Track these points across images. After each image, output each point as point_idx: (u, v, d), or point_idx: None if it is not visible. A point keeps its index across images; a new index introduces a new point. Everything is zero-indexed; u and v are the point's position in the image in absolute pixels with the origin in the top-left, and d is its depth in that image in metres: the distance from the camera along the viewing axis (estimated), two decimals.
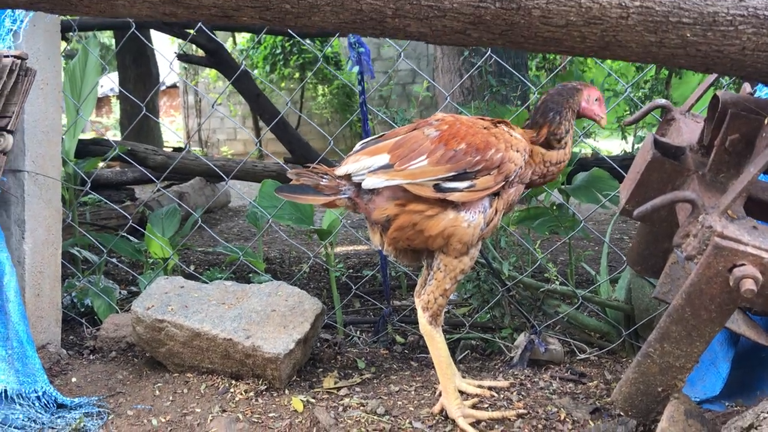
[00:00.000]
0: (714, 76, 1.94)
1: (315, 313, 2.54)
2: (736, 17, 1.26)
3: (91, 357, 2.88)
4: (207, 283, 2.81)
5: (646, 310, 2.59)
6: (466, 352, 2.94)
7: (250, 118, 14.55)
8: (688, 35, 1.27)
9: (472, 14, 1.23)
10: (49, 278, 2.83)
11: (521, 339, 2.72)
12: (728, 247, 1.40)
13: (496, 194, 2.05)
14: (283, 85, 14.36)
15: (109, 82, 22.47)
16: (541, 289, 2.72)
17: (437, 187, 1.96)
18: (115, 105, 22.90)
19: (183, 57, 4.87)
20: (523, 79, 3.12)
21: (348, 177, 2.06)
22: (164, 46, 19.65)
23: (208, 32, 3.86)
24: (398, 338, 3.13)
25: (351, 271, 4.38)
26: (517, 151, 2.03)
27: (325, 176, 2.06)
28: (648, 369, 1.64)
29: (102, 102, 23.78)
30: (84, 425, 2.20)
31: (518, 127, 2.12)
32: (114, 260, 4.80)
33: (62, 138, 3.85)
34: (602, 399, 2.32)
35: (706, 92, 1.91)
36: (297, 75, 13.87)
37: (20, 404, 2.29)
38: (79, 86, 3.82)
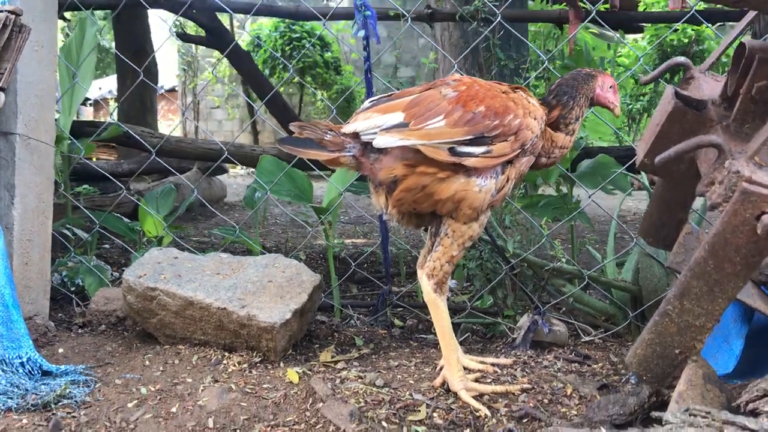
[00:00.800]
0: (731, 36, 1.88)
1: (313, 284, 2.45)
2: None
3: (80, 331, 2.79)
4: (201, 255, 2.72)
5: (654, 290, 2.51)
6: (467, 335, 2.86)
7: (247, 119, 14.49)
8: None
9: None
10: (39, 247, 2.73)
11: (524, 320, 2.64)
12: (757, 192, 1.32)
13: (509, 161, 1.97)
14: (282, 90, 14.31)
15: (107, 85, 22.46)
16: (546, 268, 2.63)
17: (452, 151, 1.88)
18: (114, 109, 22.85)
19: (182, 36, 4.79)
20: (535, 49, 3.05)
21: (355, 135, 1.96)
22: (165, 47, 19.65)
23: (210, 12, 3.79)
24: (397, 321, 3.04)
25: (350, 250, 4.29)
26: (535, 119, 1.96)
27: (329, 132, 1.97)
28: (666, 329, 1.55)
29: (99, 105, 23.71)
30: (69, 392, 2.10)
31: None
32: (106, 245, 4.72)
33: (57, 114, 3.78)
34: (609, 377, 2.24)
35: (725, 51, 1.84)
36: (296, 79, 13.82)
37: (3, 370, 2.20)
38: (75, 62, 3.73)
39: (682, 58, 1.81)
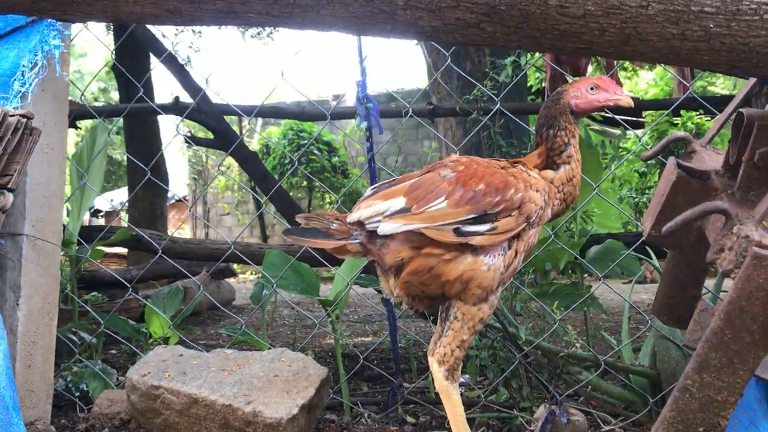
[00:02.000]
0: (730, 108, 1.89)
1: (320, 377, 2.38)
2: (761, 6, 1.21)
3: None
4: (207, 353, 2.67)
5: (673, 374, 2.43)
6: (482, 429, 2.75)
7: (258, 227, 14.64)
8: (711, 26, 1.22)
9: (486, 4, 1.19)
10: (42, 349, 2.69)
11: (541, 410, 2.54)
12: None
13: (516, 236, 1.95)
14: (291, 194, 14.52)
15: (119, 197, 22.84)
16: (561, 354, 2.56)
17: (457, 231, 1.86)
18: (125, 219, 23.16)
19: (191, 139, 4.91)
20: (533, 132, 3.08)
21: (360, 223, 1.96)
22: (176, 158, 20.09)
23: (215, 114, 3.90)
24: (409, 418, 2.94)
25: (359, 348, 4.21)
26: (537, 191, 1.95)
27: (336, 221, 1.96)
28: (686, 405, 1.48)
29: (110, 216, 24.05)
30: None
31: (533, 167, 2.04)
32: (113, 351, 4.66)
33: (66, 218, 3.81)
34: None
35: (725, 124, 1.85)
36: (305, 183, 14.04)
37: None
38: (86, 167, 3.81)
39: (682, 133, 1.82)
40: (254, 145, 14.10)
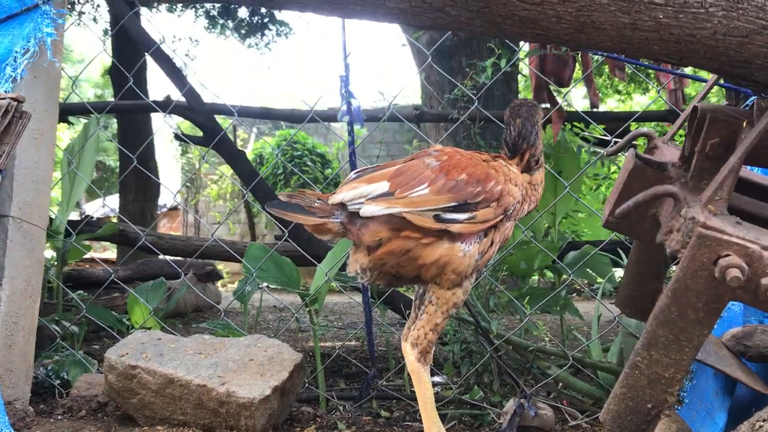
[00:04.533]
0: (690, 108, 1.97)
1: (294, 362, 2.44)
2: None
3: (59, 417, 2.74)
4: (184, 338, 2.72)
5: None
6: (454, 422, 2.80)
7: (248, 236, 14.66)
8: (661, 17, 1.31)
9: None
10: (24, 331, 2.74)
11: (510, 404, 2.60)
12: (712, 236, 1.36)
13: (493, 226, 2.02)
14: None
15: (111, 203, 22.83)
16: (530, 349, 2.63)
17: (437, 218, 1.93)
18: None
19: (179, 137, 4.97)
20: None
21: (342, 205, 2.01)
22: (170, 166, 20.10)
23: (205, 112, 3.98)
24: (383, 412, 2.99)
25: (338, 350, 4.26)
26: (516, 185, 2.03)
27: (318, 200, 2.02)
28: (636, 382, 1.55)
29: (102, 221, 24.04)
30: None
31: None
32: (96, 345, 4.69)
33: (56, 209, 3.87)
34: None
35: (684, 121, 1.93)
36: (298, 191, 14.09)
37: None
38: (77, 159, 3.87)
39: (645, 129, 1.90)
40: (248, 152, 14.16)
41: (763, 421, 1.43)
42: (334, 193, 2.04)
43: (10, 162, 2.65)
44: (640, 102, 16.23)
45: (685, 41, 1.34)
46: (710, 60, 1.38)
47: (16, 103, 2.49)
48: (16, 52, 2.64)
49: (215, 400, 2.27)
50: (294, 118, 5.28)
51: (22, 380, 2.74)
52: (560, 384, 2.69)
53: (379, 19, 1.41)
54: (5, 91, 2.58)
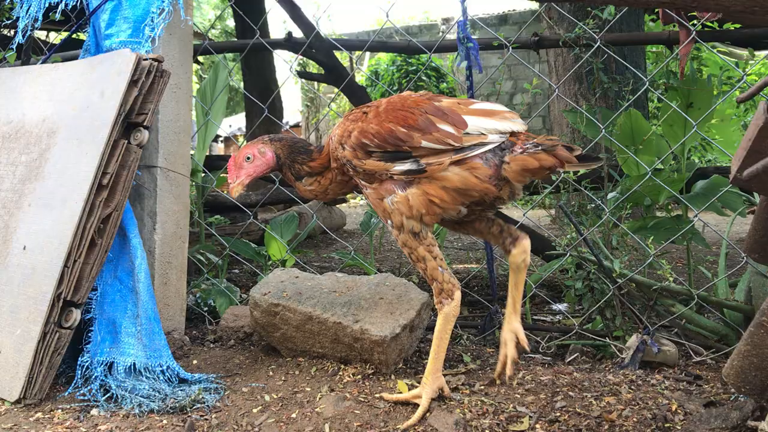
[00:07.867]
0: None
1: (421, 301, 2.58)
2: None
3: (212, 345, 3.05)
4: (320, 275, 2.92)
5: None
6: (576, 355, 2.89)
7: None
8: None
9: None
10: (176, 269, 3.02)
11: (633, 340, 2.65)
12: None
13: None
14: None
15: (237, 122, 23.72)
16: (654, 287, 2.64)
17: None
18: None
19: (302, 74, 5.12)
20: (634, 71, 3.06)
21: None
22: (290, 87, 20.51)
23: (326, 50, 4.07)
24: None
25: (461, 275, 4.40)
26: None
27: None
28: (762, 340, 1.57)
29: (230, 141, 25.05)
30: (202, 397, 2.33)
31: None
32: (236, 270, 5.06)
33: (192, 150, 4.14)
34: (718, 396, 2.22)
35: None
36: None
37: (147, 377, 2.46)
38: (209, 102, 4.09)
39: None
40: (364, 70, 14.23)
41: None
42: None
43: (154, 117, 2.87)
44: None
45: None
46: None
47: (157, 63, 2.68)
48: (153, 12, 2.81)
49: (350, 336, 2.46)
50: (410, 50, 5.27)
51: (177, 313, 3.05)
52: (684, 320, 2.69)
53: None
54: (146, 52, 2.77)
